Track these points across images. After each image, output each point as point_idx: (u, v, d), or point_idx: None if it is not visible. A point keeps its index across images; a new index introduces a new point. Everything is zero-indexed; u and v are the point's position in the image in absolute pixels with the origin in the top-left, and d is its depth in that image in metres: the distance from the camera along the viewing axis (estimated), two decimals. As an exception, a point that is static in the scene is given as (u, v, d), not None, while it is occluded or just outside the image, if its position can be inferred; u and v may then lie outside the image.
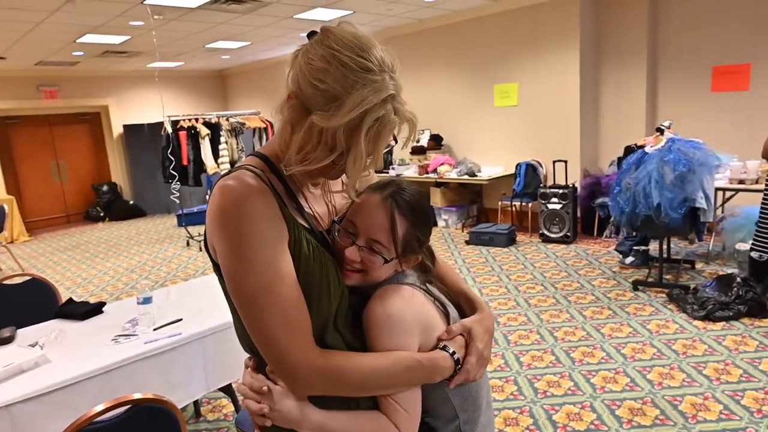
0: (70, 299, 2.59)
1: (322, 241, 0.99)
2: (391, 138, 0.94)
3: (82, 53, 7.90)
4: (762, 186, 4.57)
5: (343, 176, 1.07)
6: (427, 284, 1.07)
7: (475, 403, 1.07)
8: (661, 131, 4.19)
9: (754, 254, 4.03)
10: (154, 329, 2.21)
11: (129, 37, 6.93)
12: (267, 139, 7.40)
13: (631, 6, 6.05)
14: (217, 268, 0.96)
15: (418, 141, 7.87)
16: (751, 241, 4.34)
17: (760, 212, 3.90)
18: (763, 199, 3.90)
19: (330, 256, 0.98)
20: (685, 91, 5.99)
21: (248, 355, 1.03)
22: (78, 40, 6.90)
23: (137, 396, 1.41)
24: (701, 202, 3.88)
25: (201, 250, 6.98)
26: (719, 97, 5.75)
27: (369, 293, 1.01)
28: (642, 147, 4.31)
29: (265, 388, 0.92)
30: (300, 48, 0.92)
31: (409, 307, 0.98)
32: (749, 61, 5.50)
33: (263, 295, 0.87)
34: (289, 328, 0.88)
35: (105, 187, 10.30)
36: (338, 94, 0.85)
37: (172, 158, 7.02)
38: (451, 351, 0.98)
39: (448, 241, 6.58)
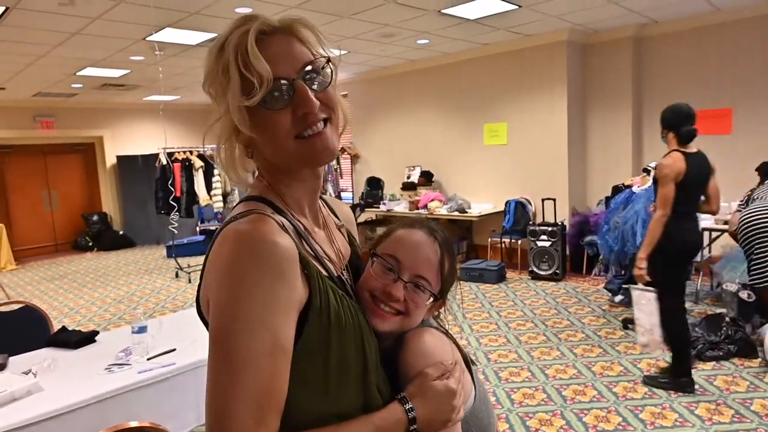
0: (63, 327, 2.57)
1: (341, 287, 0.88)
2: (304, 53, 0.82)
3: (81, 85, 8.01)
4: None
5: (333, 217, 1.03)
6: (442, 327, 1.04)
7: None
8: (647, 171, 4.31)
9: (742, 294, 4.10)
10: (148, 359, 2.20)
11: (129, 70, 7.06)
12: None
13: (616, 52, 6.31)
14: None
15: (408, 177, 7.99)
16: (737, 281, 4.42)
17: (745, 252, 3.99)
18: (747, 237, 3.99)
19: (355, 302, 0.88)
20: (669, 135, 6.18)
21: None
22: (78, 73, 7.01)
23: (134, 424, 1.41)
24: (688, 242, 3.96)
25: (190, 282, 6.93)
26: (703, 140, 5.90)
27: (384, 345, 0.93)
28: (629, 187, 4.43)
29: None
30: None
31: (441, 346, 0.94)
32: (731, 105, 5.71)
33: (244, 361, 0.72)
34: (254, 411, 0.72)
35: (95, 217, 10.26)
36: (214, 69, 0.82)
37: (172, 189, 7.06)
38: (408, 407, 0.86)
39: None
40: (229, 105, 0.79)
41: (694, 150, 3.28)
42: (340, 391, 0.82)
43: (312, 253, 0.85)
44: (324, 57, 0.84)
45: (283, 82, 0.79)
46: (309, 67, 0.81)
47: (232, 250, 0.75)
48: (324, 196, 1.04)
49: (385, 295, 0.90)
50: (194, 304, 0.88)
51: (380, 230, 1.07)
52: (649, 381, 3.43)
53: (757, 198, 4.11)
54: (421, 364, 0.89)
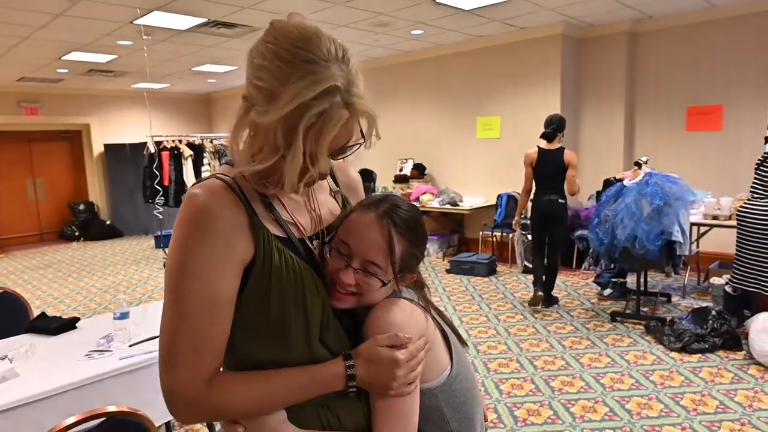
0: (43, 313, 2.51)
1: (304, 250, 0.94)
2: (351, 136, 0.86)
3: (66, 71, 7.87)
4: (735, 222, 4.72)
5: (329, 182, 1.07)
6: (423, 301, 1.03)
7: (472, 427, 1.05)
8: (639, 165, 4.31)
9: (728, 288, 4.13)
10: (130, 345, 2.15)
11: (116, 56, 6.93)
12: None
13: (611, 47, 6.30)
14: None
15: (401, 169, 7.96)
16: (725, 276, 4.46)
17: (735, 248, 4.02)
18: (737, 234, 4.02)
19: (307, 265, 0.92)
20: (661, 130, 6.20)
21: None
22: (63, 57, 6.87)
23: (112, 408, 1.37)
24: (677, 236, 3.97)
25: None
26: (694, 136, 5.96)
27: (361, 316, 0.97)
28: (621, 180, 4.42)
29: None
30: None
31: (410, 320, 0.94)
32: (722, 102, 5.73)
33: (185, 307, 0.84)
34: (191, 350, 0.84)
35: (82, 206, 10.11)
36: (274, 89, 0.79)
37: (157, 173, 6.95)
38: (349, 363, 0.91)
39: (428, 269, 6.58)
40: (266, 114, 0.80)
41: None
42: (281, 342, 0.90)
43: (273, 217, 0.93)
44: (360, 143, 0.89)
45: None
46: (347, 148, 0.89)
47: (182, 210, 0.87)
48: (333, 161, 1.04)
49: (338, 280, 0.93)
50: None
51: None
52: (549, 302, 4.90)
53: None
54: (378, 332, 0.92)
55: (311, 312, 0.91)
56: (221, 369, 0.92)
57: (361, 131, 0.87)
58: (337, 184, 1.09)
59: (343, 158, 0.91)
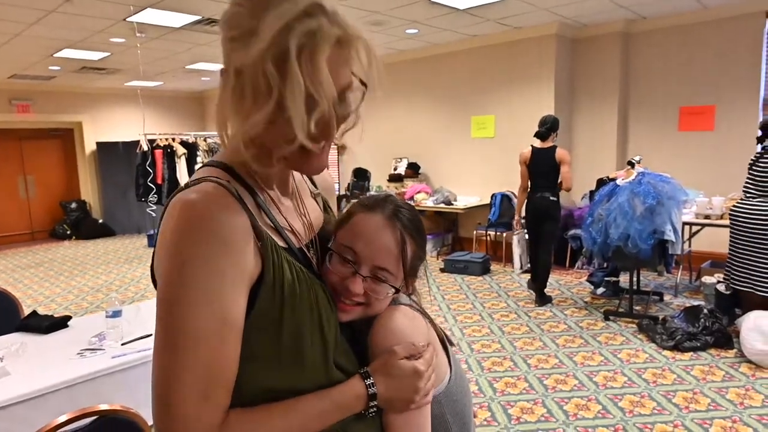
0: (34, 312, 2.49)
1: (304, 260, 0.84)
2: (350, 75, 0.76)
3: (58, 68, 7.80)
4: (727, 222, 4.75)
5: (309, 184, 0.98)
6: (420, 305, 0.99)
7: (468, 428, 1.03)
8: (632, 165, 4.33)
9: (720, 287, 4.15)
10: (122, 344, 2.14)
11: (108, 53, 6.88)
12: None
13: (604, 47, 6.32)
14: None
15: (395, 168, 7.95)
16: (716, 275, 4.49)
17: (728, 247, 4.04)
18: (730, 234, 4.04)
19: (315, 277, 0.83)
20: (654, 129, 6.24)
21: None
22: (55, 55, 6.82)
23: (104, 407, 1.36)
24: (670, 235, 4.00)
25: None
26: (686, 136, 6.00)
27: (358, 326, 0.91)
28: (614, 180, 4.44)
29: None
30: None
31: (414, 326, 0.90)
32: (714, 102, 5.77)
33: (189, 338, 0.69)
34: (198, 390, 0.70)
35: (74, 205, 10.03)
36: (251, 26, 0.69)
37: (150, 170, 6.91)
38: (369, 382, 0.83)
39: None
40: (250, 50, 0.69)
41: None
42: (295, 368, 0.79)
43: (272, 224, 0.81)
44: (361, 84, 0.78)
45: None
46: (344, 92, 0.76)
47: (178, 222, 0.71)
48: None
49: (344, 289, 0.85)
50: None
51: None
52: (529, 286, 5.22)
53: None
54: (391, 342, 0.85)
55: (327, 330, 0.81)
56: None
57: (362, 82, 0.78)
58: (315, 187, 1.01)
59: (344, 114, 0.77)
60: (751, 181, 3.98)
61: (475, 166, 7.22)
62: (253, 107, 0.70)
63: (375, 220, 0.87)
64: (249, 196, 0.80)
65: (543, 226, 4.95)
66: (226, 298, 0.71)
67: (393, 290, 0.88)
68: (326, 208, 1.01)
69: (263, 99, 0.70)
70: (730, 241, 4.04)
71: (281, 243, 0.80)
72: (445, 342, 1.01)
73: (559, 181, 4.84)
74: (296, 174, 0.94)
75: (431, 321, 0.99)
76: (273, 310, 0.76)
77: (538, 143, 4.93)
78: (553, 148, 4.85)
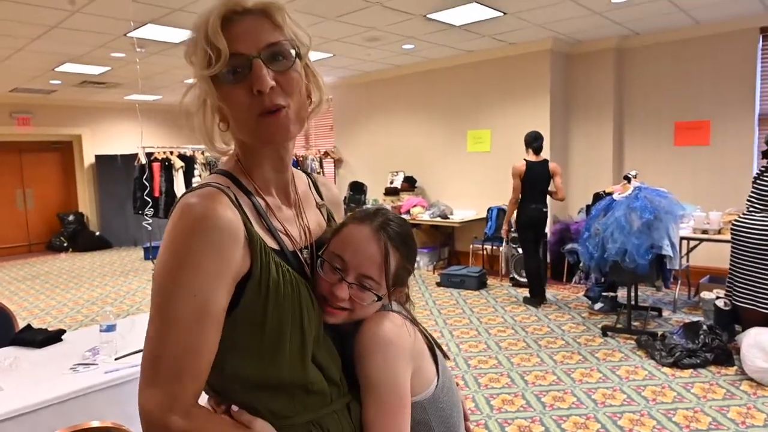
0: (28, 326, 2.47)
1: (296, 262, 0.92)
2: (271, 35, 0.86)
3: (59, 82, 7.85)
4: (724, 236, 4.75)
5: (314, 195, 1.08)
6: (410, 313, 1.04)
7: None
8: (628, 179, 4.34)
9: (719, 302, 4.13)
10: (116, 359, 2.11)
11: (109, 68, 6.93)
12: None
13: (599, 63, 6.39)
14: None
15: (392, 182, 7.97)
16: (715, 291, 4.48)
17: (729, 262, 4.01)
18: (731, 249, 4.01)
19: (303, 279, 0.91)
20: (649, 144, 6.27)
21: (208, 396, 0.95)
22: (56, 69, 6.86)
23: (96, 424, 1.34)
24: (667, 250, 3.99)
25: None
26: (682, 150, 6.03)
27: (346, 328, 0.97)
28: (610, 194, 4.45)
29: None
30: None
31: (401, 333, 0.95)
32: (709, 118, 5.81)
33: (173, 320, 0.79)
34: (174, 365, 0.79)
35: (71, 217, 10.02)
36: (188, 41, 0.88)
37: (147, 184, 6.92)
38: None
39: (419, 282, 6.57)
40: (197, 78, 0.86)
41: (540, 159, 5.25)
42: (274, 360, 0.86)
43: (266, 226, 0.90)
44: (290, 40, 0.87)
45: (240, 58, 0.83)
46: (272, 48, 0.85)
47: (176, 220, 0.82)
48: (317, 175, 1.14)
49: (331, 295, 0.92)
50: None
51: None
52: (525, 301, 5.43)
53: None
54: (374, 346, 0.92)
55: (307, 328, 0.88)
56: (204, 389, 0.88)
57: (291, 44, 0.87)
58: (321, 198, 1.09)
59: (281, 70, 0.85)
60: (755, 196, 3.94)
61: (471, 180, 7.24)
62: (204, 102, 0.89)
63: (363, 231, 0.95)
64: (247, 199, 0.90)
65: (538, 236, 5.36)
66: (208, 290, 0.80)
67: (376, 298, 0.93)
68: (330, 218, 1.08)
69: (196, 79, 0.87)
70: (732, 256, 4.00)
71: (273, 245, 0.89)
72: (434, 350, 1.05)
73: (549, 192, 5.29)
74: (302, 184, 1.05)
75: (420, 329, 1.04)
76: (257, 305, 0.84)
77: (531, 157, 5.22)
78: (546, 161, 5.23)
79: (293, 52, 0.87)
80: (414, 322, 1.01)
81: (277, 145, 0.91)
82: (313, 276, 0.94)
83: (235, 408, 0.87)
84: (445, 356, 1.10)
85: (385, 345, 0.92)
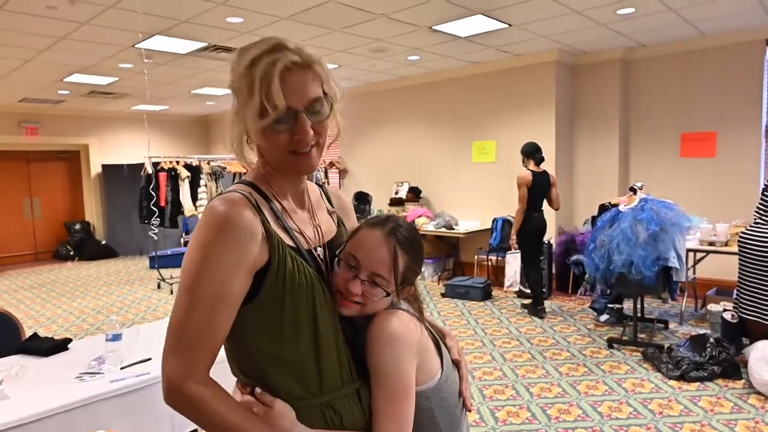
0: (35, 334, 2.48)
1: (310, 258, 1.04)
2: (310, 87, 0.99)
3: (67, 92, 7.93)
4: (731, 248, 4.73)
5: (326, 203, 1.22)
6: (418, 312, 1.14)
7: (458, 428, 1.15)
8: (634, 191, 4.33)
9: (726, 315, 4.10)
10: (122, 368, 2.12)
11: (117, 78, 7.00)
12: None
13: (604, 74, 6.40)
14: None
15: (397, 193, 7.98)
16: (722, 303, 4.44)
17: (737, 274, 3.99)
18: (739, 260, 3.99)
19: (316, 273, 1.03)
20: (655, 156, 6.26)
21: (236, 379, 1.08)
22: (65, 79, 6.94)
23: (101, 434, 1.34)
24: (673, 261, 3.97)
25: (172, 293, 6.80)
26: (688, 162, 6.02)
27: (361, 323, 1.08)
28: (616, 205, 4.44)
29: (255, 409, 0.96)
30: None
31: (407, 329, 1.05)
32: (716, 129, 5.80)
33: (196, 300, 0.93)
34: (194, 335, 0.93)
35: (78, 226, 10.07)
36: (237, 82, 1.00)
37: (153, 193, 6.95)
38: None
39: (423, 293, 6.55)
40: (247, 117, 0.98)
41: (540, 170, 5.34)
42: (291, 340, 1.00)
43: (283, 226, 1.04)
44: (327, 95, 1.02)
45: (290, 112, 0.97)
46: (315, 104, 1.00)
47: (203, 219, 0.96)
48: (328, 186, 1.28)
49: (345, 290, 1.04)
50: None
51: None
52: (525, 308, 5.56)
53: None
54: (382, 340, 1.02)
55: (320, 315, 1.01)
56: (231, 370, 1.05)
57: (325, 92, 1.01)
58: (332, 206, 1.22)
59: (319, 120, 1.00)
60: (762, 208, 3.93)
61: (476, 191, 7.24)
62: (246, 112, 0.98)
63: (375, 235, 1.07)
64: (266, 204, 1.03)
65: (541, 245, 5.55)
66: (226, 277, 0.93)
67: (386, 294, 1.05)
68: (340, 224, 1.21)
69: (255, 119, 0.97)
70: (739, 267, 3.97)
71: (290, 242, 1.02)
72: (439, 346, 1.16)
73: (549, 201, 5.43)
74: (314, 194, 1.19)
75: (427, 327, 1.14)
76: (276, 292, 0.98)
77: (533, 167, 5.33)
78: (546, 172, 5.35)
79: (329, 105, 1.02)
80: (420, 319, 1.11)
81: (303, 174, 1.09)
82: (329, 271, 1.08)
83: (258, 390, 1.00)
84: (449, 349, 1.20)
85: (392, 339, 1.02)
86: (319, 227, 1.13)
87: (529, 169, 5.30)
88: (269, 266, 0.97)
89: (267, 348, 0.99)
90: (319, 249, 1.09)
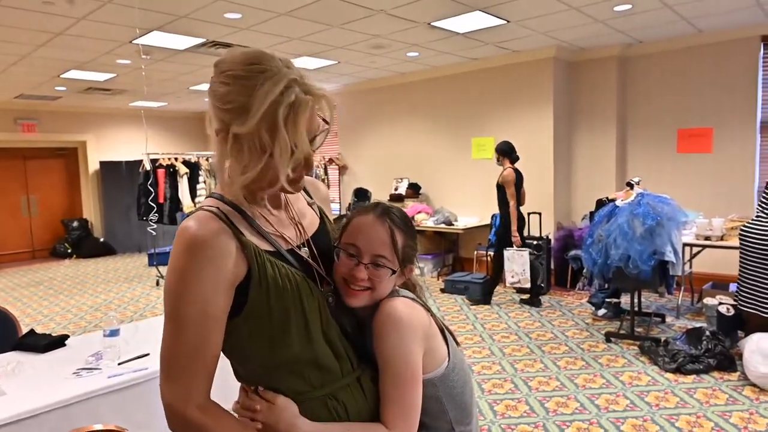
0: (32, 330, 2.48)
1: (294, 258, 1.04)
2: (319, 121, 0.99)
3: (64, 88, 7.91)
4: (727, 243, 4.74)
5: (304, 195, 1.19)
6: (422, 299, 1.16)
7: (468, 416, 1.14)
8: (631, 186, 4.34)
9: (722, 308, 4.12)
10: (119, 363, 2.12)
11: (114, 74, 6.98)
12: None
13: (602, 71, 6.40)
14: None
15: (396, 189, 7.99)
16: (718, 297, 4.46)
17: (738, 267, 3.99)
18: (740, 254, 3.99)
19: (300, 272, 1.03)
20: (652, 151, 6.27)
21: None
22: (62, 75, 6.92)
23: (98, 427, 1.35)
24: (670, 256, 3.99)
25: (171, 291, 6.79)
26: (684, 157, 6.03)
27: (363, 314, 1.09)
28: (613, 200, 4.45)
29: (257, 407, 0.98)
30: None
31: (413, 314, 1.06)
32: (712, 125, 5.81)
33: (181, 325, 0.93)
34: (186, 362, 0.94)
35: (75, 223, 10.06)
36: (244, 102, 0.92)
37: (151, 190, 6.95)
38: None
39: (423, 289, 6.55)
40: (246, 122, 0.92)
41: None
42: (284, 342, 1.00)
43: (260, 233, 1.02)
44: (325, 123, 1.02)
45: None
46: (317, 135, 1.01)
47: (176, 242, 0.96)
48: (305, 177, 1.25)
49: (351, 277, 1.05)
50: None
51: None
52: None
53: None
54: (389, 326, 1.03)
55: (308, 311, 1.01)
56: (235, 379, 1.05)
57: (324, 120, 1.01)
58: (310, 197, 1.21)
59: (317, 148, 1.01)
60: (765, 202, 3.94)
61: (475, 187, 7.24)
62: (250, 163, 0.94)
63: (369, 218, 1.09)
64: (239, 215, 1.00)
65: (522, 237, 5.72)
66: (206, 297, 0.93)
67: (391, 272, 1.06)
68: (322, 214, 1.20)
69: (257, 157, 0.93)
70: (740, 261, 3.98)
71: (267, 247, 1.01)
72: (444, 333, 1.16)
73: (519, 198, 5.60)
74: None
75: (431, 313, 1.15)
76: (262, 300, 0.97)
77: (507, 165, 5.52)
78: (518, 169, 5.55)
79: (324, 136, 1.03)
80: (426, 307, 1.12)
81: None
82: (319, 265, 1.08)
83: (261, 388, 1.01)
84: (456, 342, 1.21)
85: (399, 324, 1.03)
86: (300, 224, 1.11)
87: (508, 167, 5.48)
88: (250, 277, 0.97)
89: (263, 353, 1.00)
90: (303, 247, 1.08)
